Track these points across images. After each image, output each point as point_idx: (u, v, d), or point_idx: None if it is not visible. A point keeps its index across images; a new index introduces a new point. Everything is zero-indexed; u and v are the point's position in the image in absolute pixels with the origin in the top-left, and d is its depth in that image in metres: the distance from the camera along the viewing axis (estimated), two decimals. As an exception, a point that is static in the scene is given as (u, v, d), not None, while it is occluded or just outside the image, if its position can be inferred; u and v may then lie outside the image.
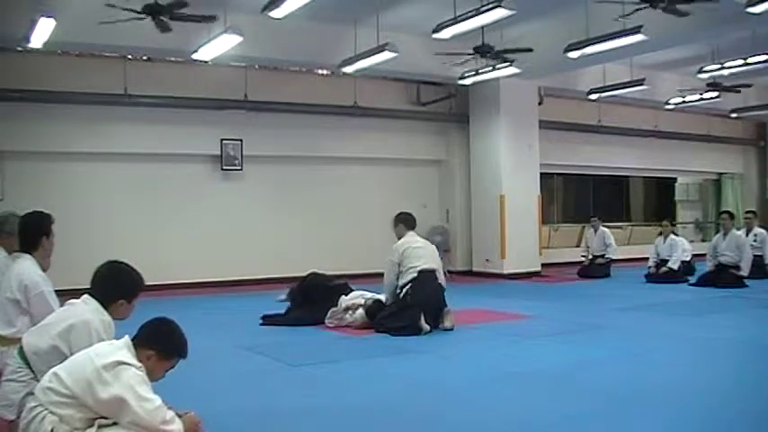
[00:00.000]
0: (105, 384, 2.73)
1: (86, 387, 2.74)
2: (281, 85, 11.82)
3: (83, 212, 10.26)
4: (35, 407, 2.80)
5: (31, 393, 2.97)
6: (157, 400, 2.82)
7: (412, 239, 6.97)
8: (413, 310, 6.54)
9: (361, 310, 6.99)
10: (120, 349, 2.87)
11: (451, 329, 6.65)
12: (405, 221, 7.14)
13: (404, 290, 6.70)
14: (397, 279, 6.78)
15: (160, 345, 2.94)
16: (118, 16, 7.59)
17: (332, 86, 12.29)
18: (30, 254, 3.89)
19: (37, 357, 3.16)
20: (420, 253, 6.83)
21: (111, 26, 7.73)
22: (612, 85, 11.89)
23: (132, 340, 2.94)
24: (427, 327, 6.49)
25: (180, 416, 2.94)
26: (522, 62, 9.99)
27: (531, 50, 9.50)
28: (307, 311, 7.30)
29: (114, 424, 2.77)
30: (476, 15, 7.70)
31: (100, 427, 2.77)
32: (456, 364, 5.44)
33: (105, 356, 2.79)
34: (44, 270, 4.46)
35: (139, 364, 2.84)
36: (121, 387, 2.73)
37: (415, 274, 6.66)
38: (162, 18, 7.66)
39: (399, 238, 7.01)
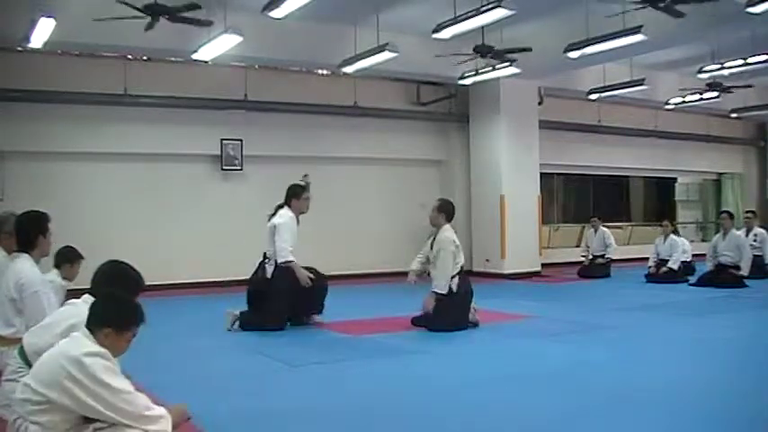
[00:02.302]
0: (76, 381, 2.67)
1: (58, 388, 2.68)
2: (281, 85, 11.82)
3: (83, 212, 10.25)
4: (16, 419, 2.76)
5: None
6: (131, 389, 2.77)
7: (454, 235, 6.94)
8: (464, 310, 6.80)
9: None
10: (81, 340, 2.80)
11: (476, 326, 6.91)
12: (447, 213, 7.03)
13: (452, 283, 6.75)
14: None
15: (113, 319, 2.85)
16: (118, 14, 7.59)
17: (332, 86, 12.28)
18: (27, 253, 3.90)
19: (37, 357, 3.14)
20: (461, 249, 6.98)
21: (112, 26, 7.73)
22: (612, 85, 11.88)
23: (87, 326, 2.86)
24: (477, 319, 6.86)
25: (169, 410, 2.92)
26: (522, 62, 9.98)
27: (530, 50, 9.49)
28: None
29: (111, 426, 2.73)
30: (476, 15, 7.69)
31: (95, 430, 2.73)
32: (455, 364, 5.43)
33: (69, 352, 2.73)
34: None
35: (104, 350, 2.76)
36: (92, 382, 2.68)
37: (459, 269, 6.82)
38: (162, 18, 7.65)
39: (436, 227, 6.95)
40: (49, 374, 2.72)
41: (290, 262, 6.78)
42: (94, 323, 2.85)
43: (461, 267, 6.86)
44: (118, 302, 2.95)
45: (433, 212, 7.01)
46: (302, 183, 7.35)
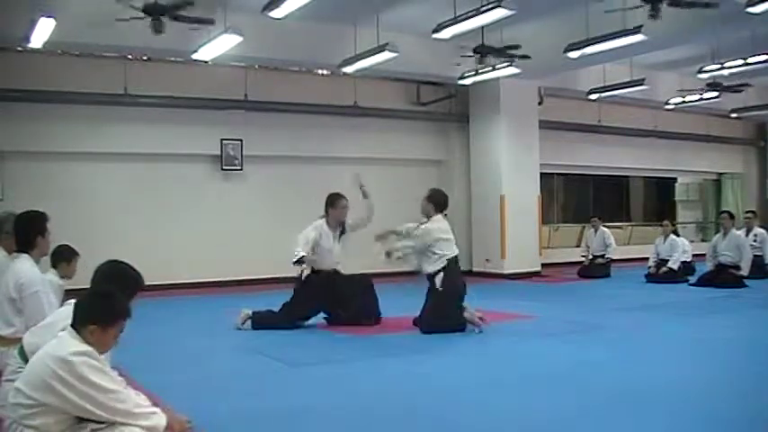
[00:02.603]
0: (64, 382, 2.65)
1: (48, 390, 2.66)
2: (281, 85, 11.82)
3: (83, 212, 10.25)
4: (11, 424, 2.74)
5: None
6: (120, 388, 2.77)
7: (443, 226, 6.72)
8: (453, 309, 6.55)
9: None
10: (67, 341, 2.79)
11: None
12: (436, 203, 6.82)
13: (436, 279, 6.58)
14: (418, 259, 6.70)
15: (97, 316, 2.84)
16: (118, 16, 7.61)
17: (332, 86, 12.28)
18: (27, 253, 3.90)
19: (37, 357, 3.16)
20: (451, 240, 6.74)
21: (112, 26, 7.74)
22: (612, 85, 11.89)
23: (72, 325, 2.85)
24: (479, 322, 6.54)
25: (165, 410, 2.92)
26: (522, 62, 9.99)
27: (528, 57, 9.54)
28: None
29: (109, 426, 2.72)
30: (476, 15, 7.70)
31: (92, 431, 2.72)
32: (456, 364, 5.43)
33: (56, 353, 2.72)
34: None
35: (90, 349, 2.75)
36: (80, 382, 2.67)
37: (445, 263, 6.59)
38: (161, 18, 7.66)
39: (426, 216, 6.78)
40: (37, 377, 2.70)
41: (302, 257, 6.88)
42: (79, 321, 2.83)
43: (448, 262, 6.59)
44: (100, 299, 2.93)
45: (423, 201, 6.87)
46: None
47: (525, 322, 7.46)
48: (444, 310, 6.58)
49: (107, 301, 2.91)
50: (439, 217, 6.81)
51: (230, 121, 11.47)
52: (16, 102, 9.91)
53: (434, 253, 6.62)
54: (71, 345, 2.75)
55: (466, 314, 6.67)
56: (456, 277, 6.72)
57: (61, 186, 10.26)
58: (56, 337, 2.86)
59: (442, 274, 6.60)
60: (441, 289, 6.58)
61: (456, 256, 6.78)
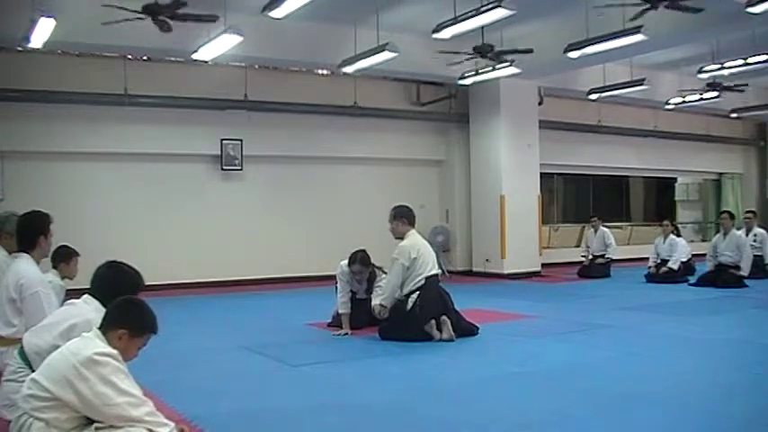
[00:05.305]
0: (84, 380, 2.68)
1: (66, 386, 2.69)
2: (281, 85, 11.82)
3: (83, 212, 10.26)
4: (20, 416, 2.77)
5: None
6: (139, 393, 2.79)
7: (417, 241, 6.38)
8: (419, 322, 6.13)
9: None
10: (93, 340, 2.82)
11: (450, 341, 6.10)
12: (406, 216, 6.46)
13: (410, 299, 6.22)
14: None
15: (129, 322, 2.89)
16: (118, 17, 7.60)
17: (332, 86, 12.28)
18: (28, 253, 3.91)
19: (38, 357, 3.16)
20: (427, 258, 6.32)
21: (112, 26, 7.74)
22: (612, 85, 11.89)
23: (100, 328, 2.89)
24: (438, 333, 6.11)
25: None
26: (522, 62, 9.99)
27: (531, 51, 9.51)
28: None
29: (110, 427, 2.73)
30: (476, 15, 7.69)
31: (97, 429, 2.74)
32: (456, 364, 5.43)
33: (80, 351, 2.74)
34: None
35: (115, 351, 2.78)
36: (101, 381, 2.69)
37: (423, 282, 6.22)
38: (162, 18, 7.65)
39: (400, 237, 6.40)
40: (58, 371, 2.73)
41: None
42: (110, 324, 2.88)
43: (425, 281, 6.22)
44: (137, 307, 2.99)
45: (390, 223, 6.44)
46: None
47: (525, 322, 7.45)
48: (406, 324, 6.17)
49: (142, 311, 2.97)
50: (413, 231, 6.46)
51: (230, 121, 11.47)
52: (16, 102, 9.91)
53: (414, 273, 6.23)
54: (96, 345, 2.80)
55: (435, 332, 6.15)
56: (432, 300, 6.23)
57: (61, 186, 10.27)
58: (81, 336, 2.89)
59: (416, 294, 6.21)
60: (410, 309, 6.20)
61: (435, 275, 6.35)
